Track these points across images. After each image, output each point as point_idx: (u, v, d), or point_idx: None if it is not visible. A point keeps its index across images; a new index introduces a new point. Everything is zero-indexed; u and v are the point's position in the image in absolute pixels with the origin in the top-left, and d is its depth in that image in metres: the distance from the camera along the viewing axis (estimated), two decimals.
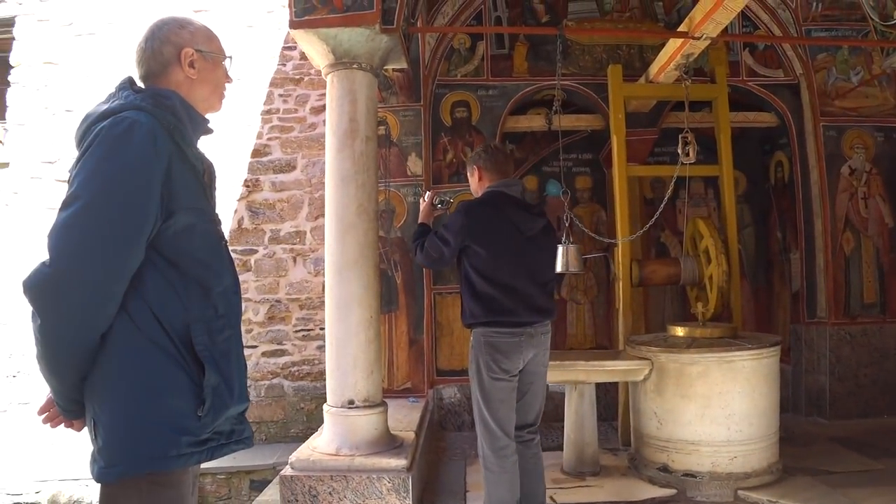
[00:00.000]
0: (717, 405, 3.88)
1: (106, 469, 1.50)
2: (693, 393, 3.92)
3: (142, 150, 1.52)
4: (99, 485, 1.56)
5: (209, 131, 1.78)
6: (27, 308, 1.55)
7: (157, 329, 1.53)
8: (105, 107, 1.60)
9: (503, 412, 3.06)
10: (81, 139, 1.58)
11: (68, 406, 1.60)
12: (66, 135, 6.33)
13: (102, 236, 1.46)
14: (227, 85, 1.84)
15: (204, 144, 1.79)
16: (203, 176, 1.70)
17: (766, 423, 3.96)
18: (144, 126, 1.54)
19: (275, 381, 6.17)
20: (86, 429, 1.63)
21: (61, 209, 1.47)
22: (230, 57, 1.83)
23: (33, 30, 6.52)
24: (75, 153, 1.60)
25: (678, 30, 4.44)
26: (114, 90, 1.67)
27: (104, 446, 1.50)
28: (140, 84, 1.73)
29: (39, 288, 1.46)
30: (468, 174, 3.41)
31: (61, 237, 1.45)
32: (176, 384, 1.55)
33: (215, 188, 1.83)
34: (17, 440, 6.25)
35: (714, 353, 3.92)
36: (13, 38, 6.54)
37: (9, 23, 6.56)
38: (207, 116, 1.79)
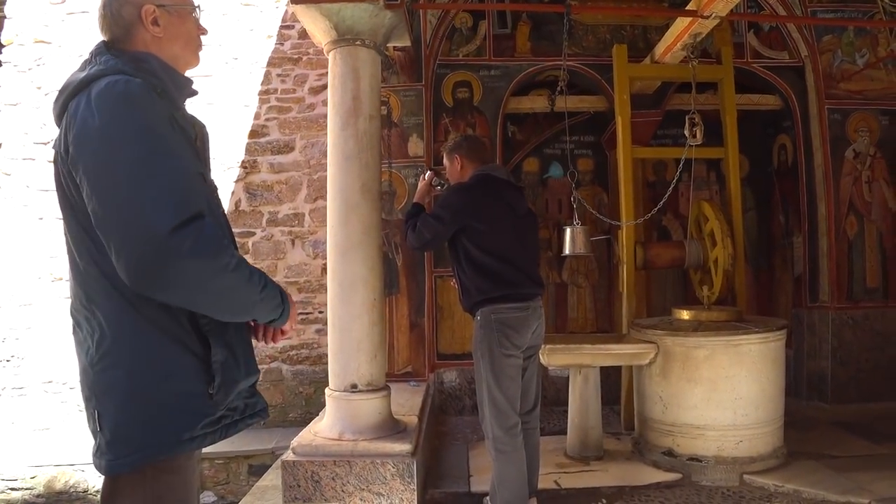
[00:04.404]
0: (724, 389, 3.85)
1: (116, 461, 1.42)
2: (699, 377, 3.89)
3: (151, 103, 1.44)
4: (103, 477, 1.49)
5: (194, 93, 1.68)
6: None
7: (155, 308, 1.44)
8: (83, 74, 1.50)
9: (513, 390, 3.11)
10: (62, 111, 1.49)
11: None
12: None
13: (182, 187, 1.40)
14: (202, 37, 1.73)
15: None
16: (196, 141, 1.62)
17: (772, 407, 3.94)
18: (142, 85, 1.45)
19: (273, 364, 6.11)
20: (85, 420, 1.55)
21: (107, 187, 1.37)
22: (198, 6, 1.71)
23: (25, 7, 6.39)
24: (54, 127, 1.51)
25: (687, 8, 4.35)
26: (88, 57, 1.56)
27: (113, 439, 1.43)
28: None
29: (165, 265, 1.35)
30: (447, 163, 3.45)
31: (140, 207, 1.35)
32: (182, 364, 1.47)
33: (209, 152, 1.73)
34: (11, 425, 6.19)
35: (721, 337, 3.89)
36: (4, 17, 6.40)
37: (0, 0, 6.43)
38: (188, 76, 1.69)
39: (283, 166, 6.15)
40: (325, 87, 6.12)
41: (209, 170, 1.70)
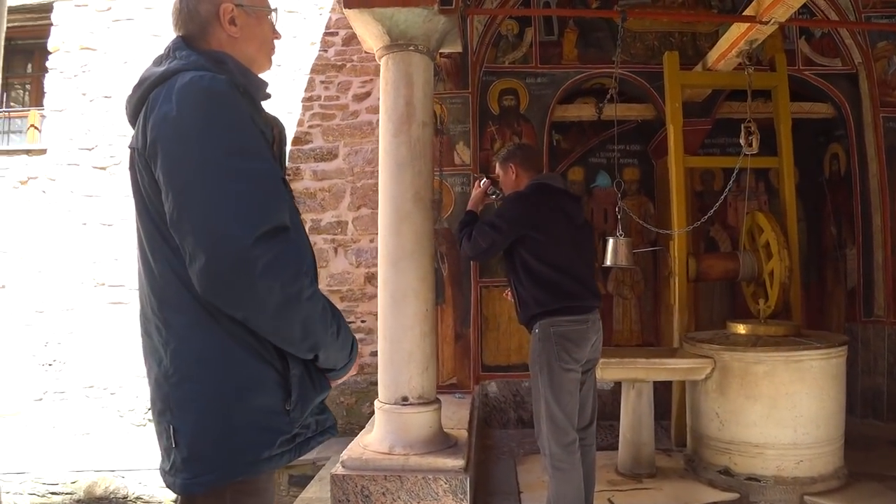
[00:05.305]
0: (784, 406, 3.72)
1: (192, 480, 1.35)
2: (759, 393, 3.77)
3: (237, 101, 1.38)
4: (179, 497, 1.42)
5: (268, 96, 1.60)
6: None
7: (233, 318, 1.36)
8: (162, 68, 1.44)
9: (572, 405, 3.01)
10: (139, 105, 1.43)
11: None
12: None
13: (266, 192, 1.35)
14: (275, 42, 1.67)
15: None
16: (273, 145, 1.54)
17: (833, 425, 3.80)
18: (227, 82, 1.39)
19: None
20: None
21: (185, 185, 1.31)
22: (275, 9, 1.65)
23: (71, 15, 6.46)
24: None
25: (744, 14, 4.24)
26: (165, 52, 1.50)
27: (189, 456, 1.35)
28: None
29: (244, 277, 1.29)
30: (500, 173, 3.37)
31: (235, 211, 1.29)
32: (261, 379, 1.39)
33: (286, 154, 1.67)
34: (53, 429, 6.22)
35: (781, 353, 3.76)
36: (51, 24, 6.48)
37: (47, 8, 6.50)
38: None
39: (327, 174, 6.11)
40: (368, 94, 6.09)
41: (285, 172, 1.64)
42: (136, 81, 1.48)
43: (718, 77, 5.02)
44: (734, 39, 4.45)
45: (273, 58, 1.68)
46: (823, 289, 6.12)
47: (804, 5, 5.43)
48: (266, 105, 1.59)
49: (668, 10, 5.63)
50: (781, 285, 4.53)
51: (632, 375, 4.05)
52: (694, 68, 5.21)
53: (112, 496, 5.52)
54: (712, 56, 4.90)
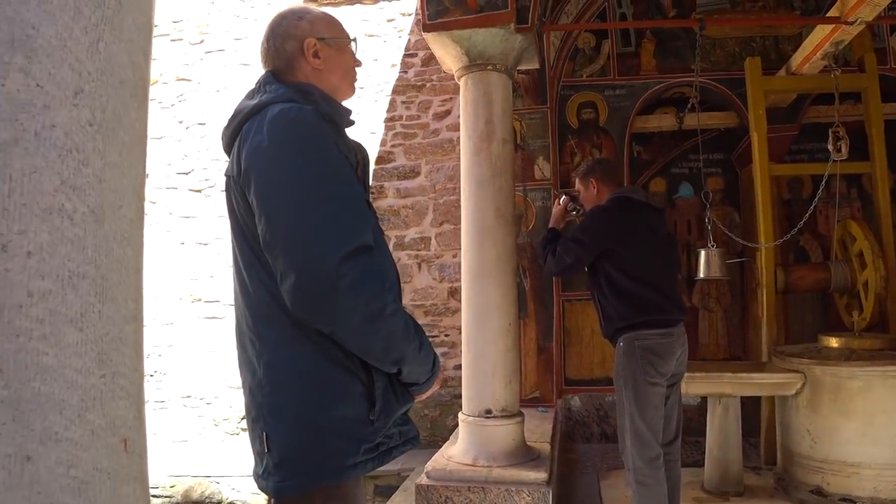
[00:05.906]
0: (881, 424, 3.57)
1: (283, 483, 1.45)
2: (853, 410, 3.62)
3: (323, 129, 1.48)
4: (272, 499, 1.52)
5: (351, 123, 1.69)
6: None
7: (322, 333, 1.45)
8: (254, 101, 1.55)
9: (657, 420, 3.00)
10: (234, 136, 1.55)
11: None
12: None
13: (352, 214, 1.43)
14: (357, 69, 1.76)
15: None
16: (357, 169, 1.62)
17: None
18: (313, 112, 1.50)
19: None
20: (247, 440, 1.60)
21: (276, 210, 1.40)
22: (355, 39, 1.74)
23: (167, 49, 6.87)
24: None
25: (828, 15, 4.12)
26: (256, 86, 1.62)
27: (280, 461, 1.45)
28: None
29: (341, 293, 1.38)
30: (581, 188, 3.37)
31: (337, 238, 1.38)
32: (348, 390, 1.48)
33: (369, 178, 1.75)
34: (153, 436, 6.57)
35: (877, 367, 3.61)
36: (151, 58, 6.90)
37: None
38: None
39: (409, 191, 6.25)
40: (448, 112, 6.21)
41: (369, 195, 1.73)
42: (230, 114, 1.61)
43: (803, 81, 4.87)
44: (819, 42, 4.31)
45: (355, 84, 1.78)
46: None
47: (894, 1, 5.23)
48: (350, 127, 1.69)
49: (747, 14, 5.50)
50: (877, 296, 4.34)
51: (718, 390, 3.96)
52: (777, 73, 5.08)
53: (207, 500, 5.77)
54: (796, 60, 4.76)
